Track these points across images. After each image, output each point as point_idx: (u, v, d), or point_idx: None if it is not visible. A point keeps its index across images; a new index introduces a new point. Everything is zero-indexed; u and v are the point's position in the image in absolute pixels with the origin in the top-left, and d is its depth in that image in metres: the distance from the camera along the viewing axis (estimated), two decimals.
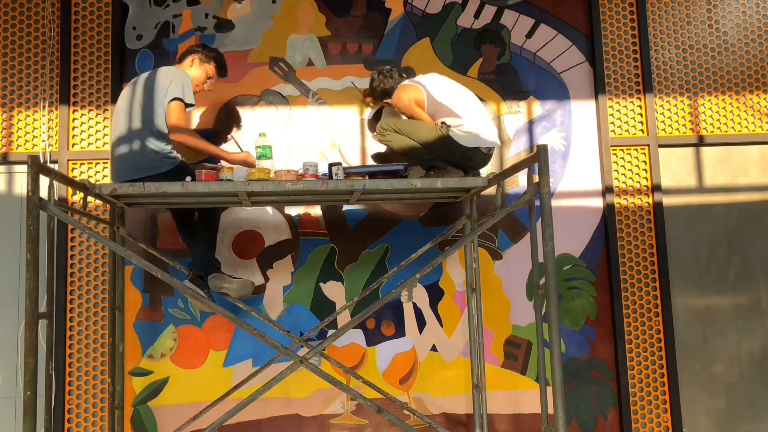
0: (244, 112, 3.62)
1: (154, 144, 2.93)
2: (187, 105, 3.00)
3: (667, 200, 3.71)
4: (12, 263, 3.51)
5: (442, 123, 3.09)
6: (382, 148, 3.58)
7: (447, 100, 3.13)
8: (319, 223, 3.60)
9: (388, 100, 3.32)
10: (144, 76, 3.09)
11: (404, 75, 3.42)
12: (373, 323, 3.55)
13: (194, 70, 3.18)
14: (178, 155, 3.02)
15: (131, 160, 2.94)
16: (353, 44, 3.72)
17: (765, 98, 3.80)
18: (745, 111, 3.79)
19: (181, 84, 2.99)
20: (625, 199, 3.69)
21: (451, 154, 3.07)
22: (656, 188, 3.66)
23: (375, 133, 3.27)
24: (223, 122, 3.61)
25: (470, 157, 3.08)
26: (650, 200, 3.67)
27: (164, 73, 3.04)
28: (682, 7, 3.85)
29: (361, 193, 2.94)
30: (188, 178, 2.87)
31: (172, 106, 2.95)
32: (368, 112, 3.68)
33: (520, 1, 3.80)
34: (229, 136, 3.55)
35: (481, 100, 3.44)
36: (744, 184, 3.78)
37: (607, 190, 3.66)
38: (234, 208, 3.51)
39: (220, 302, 3.30)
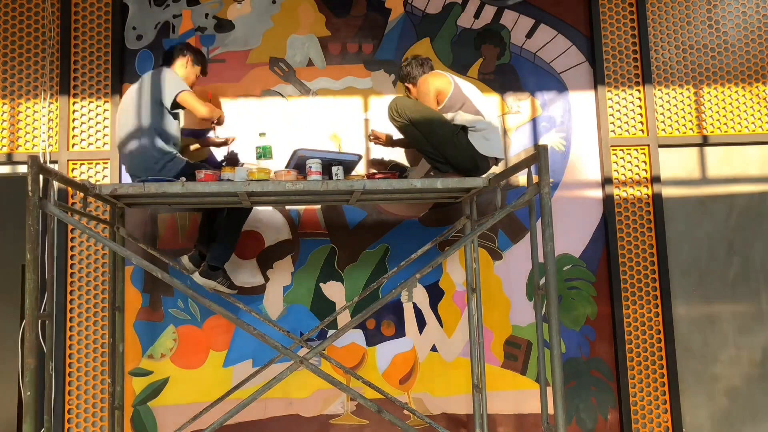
0: (245, 110, 3.62)
1: (160, 145, 2.98)
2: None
3: (668, 200, 3.71)
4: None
5: (461, 126, 3.04)
6: (384, 152, 3.59)
7: (473, 98, 3.08)
8: (319, 223, 3.60)
9: (409, 85, 3.26)
10: (147, 76, 3.10)
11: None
12: (373, 323, 3.55)
13: (188, 70, 3.21)
14: (183, 158, 3.05)
15: (141, 159, 3.01)
16: (353, 44, 3.72)
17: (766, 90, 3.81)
18: (745, 111, 3.79)
19: (177, 81, 3.05)
20: (625, 199, 3.69)
21: (460, 156, 3.01)
22: (656, 188, 3.66)
23: (388, 113, 3.14)
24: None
25: (478, 165, 3.04)
26: (650, 200, 3.67)
27: (165, 75, 3.06)
28: (682, 7, 3.85)
29: (361, 193, 2.94)
30: (183, 178, 2.88)
31: (187, 99, 3.00)
32: (371, 112, 3.67)
33: (520, 1, 3.80)
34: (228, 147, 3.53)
35: None
36: (744, 177, 3.78)
37: (607, 190, 3.66)
38: None
39: (220, 302, 3.30)
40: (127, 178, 3.51)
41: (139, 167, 3.02)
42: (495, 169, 3.25)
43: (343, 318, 3.52)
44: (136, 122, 3.02)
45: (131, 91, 3.11)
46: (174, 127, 3.07)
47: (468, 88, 3.12)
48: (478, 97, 3.13)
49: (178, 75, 3.13)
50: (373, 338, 3.55)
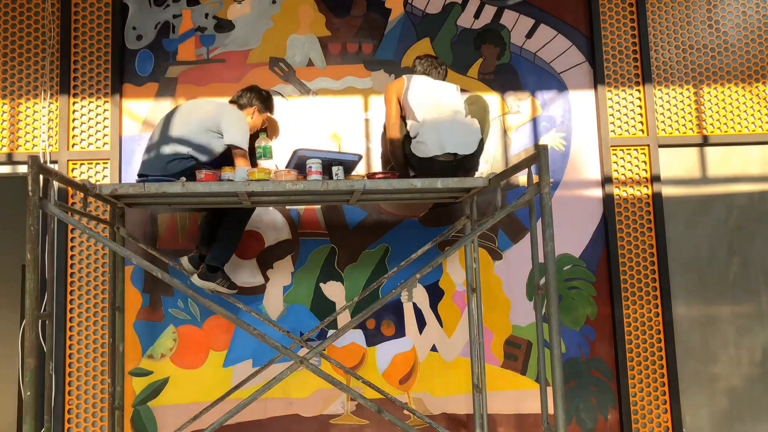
0: None
1: (177, 149, 3.00)
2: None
3: (667, 200, 3.71)
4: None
5: (406, 134, 3.15)
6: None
7: (415, 102, 3.14)
8: (319, 223, 3.60)
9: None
10: (200, 102, 3.21)
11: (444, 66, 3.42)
12: (373, 323, 3.55)
13: (254, 120, 3.26)
14: (194, 160, 3.03)
15: (155, 162, 3.03)
16: (353, 44, 3.72)
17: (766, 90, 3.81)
18: (745, 111, 3.79)
19: (243, 133, 3.08)
20: (625, 199, 3.69)
21: (411, 162, 3.14)
22: (656, 188, 3.66)
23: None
24: None
25: (427, 166, 3.08)
26: (650, 200, 3.67)
27: (229, 110, 3.11)
28: (682, 7, 3.85)
29: (361, 193, 2.94)
30: (183, 178, 2.88)
31: (239, 156, 3.05)
32: (371, 112, 3.68)
33: (520, 1, 3.80)
34: None
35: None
36: (744, 177, 3.78)
37: (607, 190, 3.66)
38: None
39: (220, 302, 3.30)
40: (127, 179, 3.53)
41: (150, 167, 3.03)
42: (495, 170, 3.26)
43: (343, 318, 3.52)
44: (164, 134, 3.05)
45: (167, 115, 3.14)
46: (214, 144, 3.08)
47: (416, 87, 3.19)
48: (421, 91, 3.18)
49: (248, 123, 3.17)
50: (373, 338, 3.55)
